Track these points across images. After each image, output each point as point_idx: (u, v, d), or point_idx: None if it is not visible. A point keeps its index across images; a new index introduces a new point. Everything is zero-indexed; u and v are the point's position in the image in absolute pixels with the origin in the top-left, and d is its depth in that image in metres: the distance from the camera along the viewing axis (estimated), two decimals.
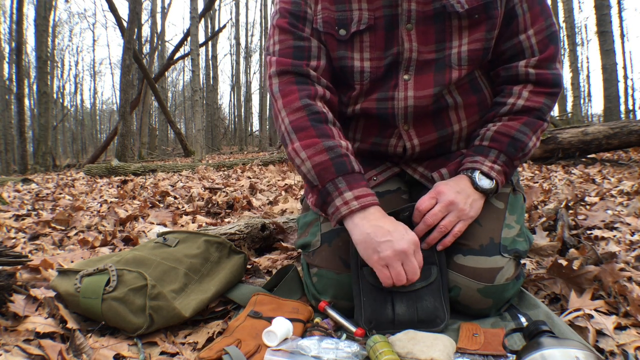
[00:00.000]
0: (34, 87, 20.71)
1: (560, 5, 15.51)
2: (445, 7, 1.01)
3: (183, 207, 2.76)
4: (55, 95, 26.24)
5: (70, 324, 0.94)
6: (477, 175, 1.03)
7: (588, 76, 27.01)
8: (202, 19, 16.92)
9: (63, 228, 2.24)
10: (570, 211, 1.94)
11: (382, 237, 0.91)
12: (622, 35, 19.50)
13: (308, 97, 1.04)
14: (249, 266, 1.41)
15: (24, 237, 1.99)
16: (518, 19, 1.06)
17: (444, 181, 1.05)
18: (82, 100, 37.94)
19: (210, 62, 23.68)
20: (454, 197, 0.99)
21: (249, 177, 4.74)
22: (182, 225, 2.21)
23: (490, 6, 1.02)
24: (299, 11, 1.08)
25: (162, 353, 0.91)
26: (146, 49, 18.72)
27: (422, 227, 0.99)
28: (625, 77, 19.16)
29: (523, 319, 0.98)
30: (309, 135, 1.00)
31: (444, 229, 0.98)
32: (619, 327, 0.93)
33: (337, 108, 1.12)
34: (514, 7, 1.05)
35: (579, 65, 18.51)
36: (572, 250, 1.41)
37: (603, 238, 1.58)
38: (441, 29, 1.03)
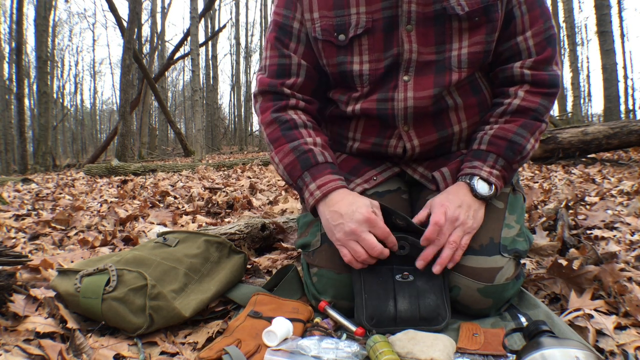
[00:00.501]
0: (34, 87, 20.72)
1: (560, 5, 15.52)
2: (445, 9, 1.01)
3: (183, 207, 2.76)
4: (55, 95, 26.24)
5: (70, 324, 0.94)
6: (475, 181, 1.02)
7: (588, 76, 27.03)
8: (202, 19, 16.92)
9: (63, 228, 2.24)
10: (570, 211, 1.94)
11: (335, 220, 0.98)
12: (622, 35, 19.52)
13: (277, 110, 1.13)
14: (249, 266, 1.41)
15: (24, 237, 1.99)
16: (516, 20, 1.06)
17: (443, 195, 1.04)
18: (82, 100, 38.03)
19: (210, 62, 23.69)
20: (457, 213, 0.98)
21: (249, 177, 4.74)
22: (182, 225, 2.21)
23: (491, 9, 1.02)
24: (286, 25, 1.13)
25: (162, 353, 0.91)
26: (146, 49, 18.73)
27: (434, 249, 0.97)
28: (625, 77, 19.17)
29: (523, 319, 0.98)
30: (281, 143, 1.10)
31: (455, 245, 0.97)
32: (619, 327, 0.93)
33: (314, 114, 1.19)
34: (512, 9, 1.05)
35: (579, 65, 18.53)
36: (572, 250, 1.41)
37: (603, 238, 1.58)
38: (441, 31, 1.03)
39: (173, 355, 0.91)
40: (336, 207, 0.99)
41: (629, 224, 1.74)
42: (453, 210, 0.99)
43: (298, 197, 2.93)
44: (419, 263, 0.97)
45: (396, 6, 1.03)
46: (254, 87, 1.21)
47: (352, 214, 0.96)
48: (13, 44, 16.30)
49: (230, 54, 28.73)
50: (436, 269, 0.96)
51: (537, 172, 4.20)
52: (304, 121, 1.12)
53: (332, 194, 1.01)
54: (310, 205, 1.03)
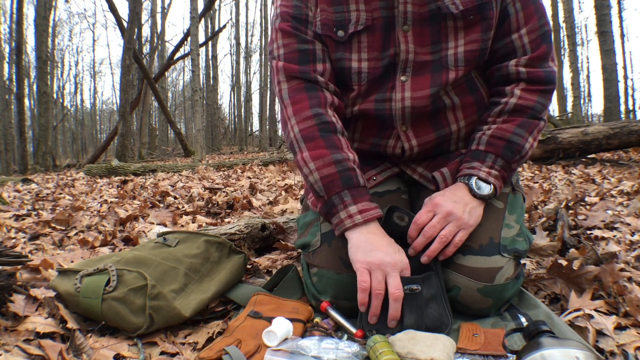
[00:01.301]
0: (34, 87, 20.71)
1: (560, 5, 15.52)
2: (440, 8, 1.02)
3: (183, 207, 2.76)
4: (55, 95, 26.25)
5: (70, 324, 0.94)
6: (474, 181, 1.03)
7: (588, 76, 27.04)
8: (202, 19, 16.91)
9: (63, 228, 2.24)
10: (570, 211, 1.94)
11: (374, 247, 0.94)
12: (622, 35, 19.52)
13: (318, 106, 1.04)
14: (249, 266, 1.41)
15: (24, 237, 1.99)
16: (510, 18, 1.06)
17: (440, 192, 1.05)
18: (82, 100, 38.05)
19: (210, 62, 23.68)
20: (452, 207, 0.99)
21: (249, 177, 4.74)
22: (182, 225, 2.21)
23: (485, 7, 1.02)
24: (300, 14, 1.08)
25: (162, 353, 0.91)
26: (146, 49, 18.72)
27: (422, 239, 0.98)
28: (625, 77, 19.18)
29: (523, 319, 0.98)
30: (318, 146, 1.02)
31: (445, 239, 0.97)
32: (619, 327, 0.93)
33: (343, 113, 1.13)
34: (507, 7, 1.05)
35: (579, 65, 18.53)
36: (572, 250, 1.41)
37: (603, 238, 1.58)
38: (437, 30, 1.04)
39: (173, 355, 0.91)
40: (377, 238, 0.96)
41: (629, 224, 1.74)
42: (447, 205, 0.99)
43: (298, 197, 2.93)
44: (410, 251, 1.00)
45: (392, 7, 1.03)
46: (276, 73, 1.09)
47: (393, 253, 0.94)
48: (13, 44, 16.30)
49: (230, 54, 28.74)
50: (423, 259, 0.98)
51: (537, 172, 4.20)
52: (341, 127, 1.06)
53: (372, 223, 0.98)
54: (346, 227, 0.98)
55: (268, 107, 23.86)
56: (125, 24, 12.19)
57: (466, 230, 0.99)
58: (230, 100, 31.70)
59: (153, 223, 2.29)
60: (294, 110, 1.05)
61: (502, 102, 1.08)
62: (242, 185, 3.78)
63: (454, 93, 1.09)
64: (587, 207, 2.13)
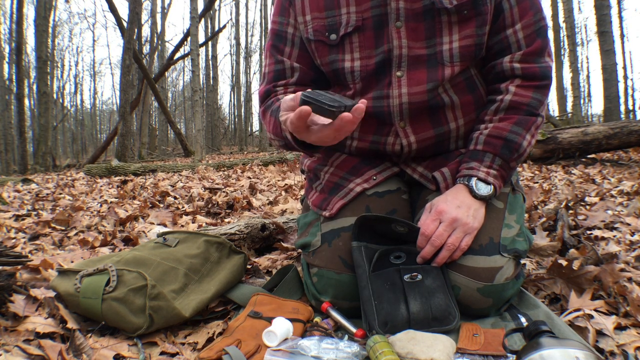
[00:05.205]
0: (34, 87, 20.70)
1: (560, 5, 15.55)
2: (434, 3, 1.02)
3: (183, 207, 2.76)
4: (55, 95, 26.24)
5: (70, 324, 0.94)
6: (474, 182, 1.03)
7: (588, 76, 27.04)
8: (202, 19, 16.92)
9: (63, 228, 2.24)
10: (570, 211, 1.94)
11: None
12: (622, 36, 19.52)
13: (268, 101, 1.16)
14: (249, 266, 1.41)
15: (24, 237, 1.99)
16: (505, 13, 1.06)
17: (442, 197, 1.05)
18: (82, 100, 37.99)
19: (210, 62, 23.68)
20: (456, 213, 0.99)
21: (249, 177, 4.74)
22: (182, 225, 2.21)
23: (479, 2, 1.03)
24: (282, 31, 1.17)
25: (162, 353, 0.91)
26: (146, 49, 18.71)
27: (430, 249, 0.99)
28: (625, 77, 19.19)
29: (523, 319, 0.98)
30: (267, 118, 1.13)
31: (452, 247, 0.98)
32: (619, 327, 0.93)
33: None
34: (502, 2, 1.06)
35: (579, 65, 18.53)
36: (572, 250, 1.41)
37: (603, 238, 1.58)
38: (431, 25, 1.04)
39: (173, 355, 0.91)
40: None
41: (629, 224, 1.74)
42: (451, 212, 0.99)
43: (298, 197, 2.93)
44: (419, 259, 1.01)
45: (384, 4, 1.04)
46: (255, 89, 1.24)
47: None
48: (13, 44, 16.30)
49: (230, 54, 28.73)
50: (433, 265, 1.00)
51: (537, 172, 4.20)
52: (289, 94, 1.09)
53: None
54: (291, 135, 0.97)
55: None
56: (125, 24, 12.18)
57: (472, 234, 1.00)
58: (230, 100, 31.72)
59: (153, 223, 2.29)
60: (262, 119, 1.18)
61: (497, 100, 1.08)
62: (242, 185, 3.78)
63: (452, 91, 1.09)
64: (587, 207, 2.13)
